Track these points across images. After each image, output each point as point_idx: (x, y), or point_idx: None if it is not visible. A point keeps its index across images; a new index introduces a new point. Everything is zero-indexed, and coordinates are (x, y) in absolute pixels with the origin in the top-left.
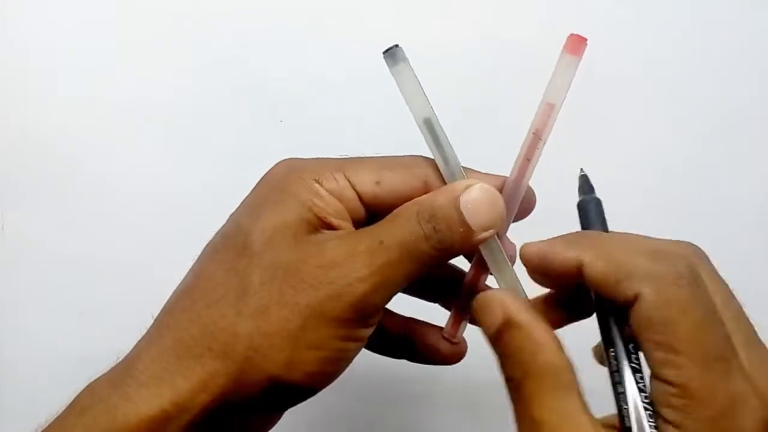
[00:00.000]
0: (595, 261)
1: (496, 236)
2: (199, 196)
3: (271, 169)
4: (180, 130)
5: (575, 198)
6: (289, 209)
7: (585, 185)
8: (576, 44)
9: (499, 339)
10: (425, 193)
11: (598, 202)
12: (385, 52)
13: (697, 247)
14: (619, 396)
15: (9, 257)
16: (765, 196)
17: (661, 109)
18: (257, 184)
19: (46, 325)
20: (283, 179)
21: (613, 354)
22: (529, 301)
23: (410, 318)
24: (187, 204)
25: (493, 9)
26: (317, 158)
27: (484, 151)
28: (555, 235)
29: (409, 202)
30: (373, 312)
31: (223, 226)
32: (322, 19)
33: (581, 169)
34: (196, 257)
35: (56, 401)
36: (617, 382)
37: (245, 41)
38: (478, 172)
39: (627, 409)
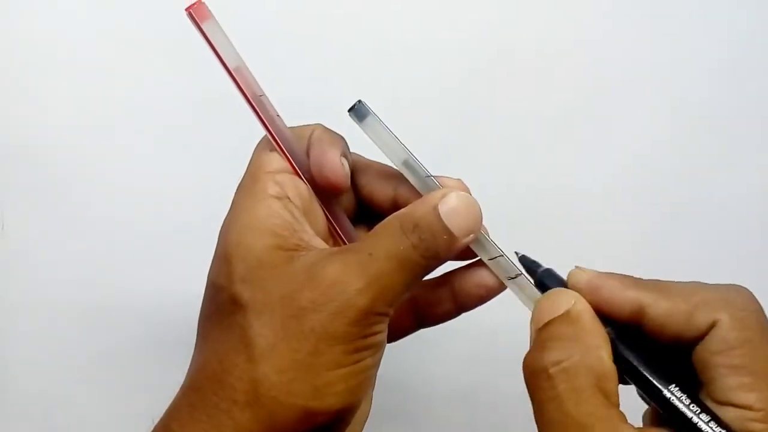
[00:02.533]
0: (658, 301)
1: (481, 232)
2: (199, 196)
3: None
4: (180, 130)
5: (575, 198)
6: (254, 239)
7: (527, 264)
8: (200, 12)
9: (561, 321)
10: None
11: (550, 272)
12: (350, 110)
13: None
14: None
15: (9, 257)
16: (765, 196)
17: (660, 110)
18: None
19: (45, 325)
20: (229, 229)
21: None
22: None
23: (439, 278)
24: (187, 204)
25: (488, 10)
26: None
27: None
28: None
29: (389, 217)
30: (380, 319)
31: (204, 291)
32: (323, 19)
33: (516, 252)
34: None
35: (55, 402)
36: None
37: (245, 41)
38: (450, 178)
39: None
